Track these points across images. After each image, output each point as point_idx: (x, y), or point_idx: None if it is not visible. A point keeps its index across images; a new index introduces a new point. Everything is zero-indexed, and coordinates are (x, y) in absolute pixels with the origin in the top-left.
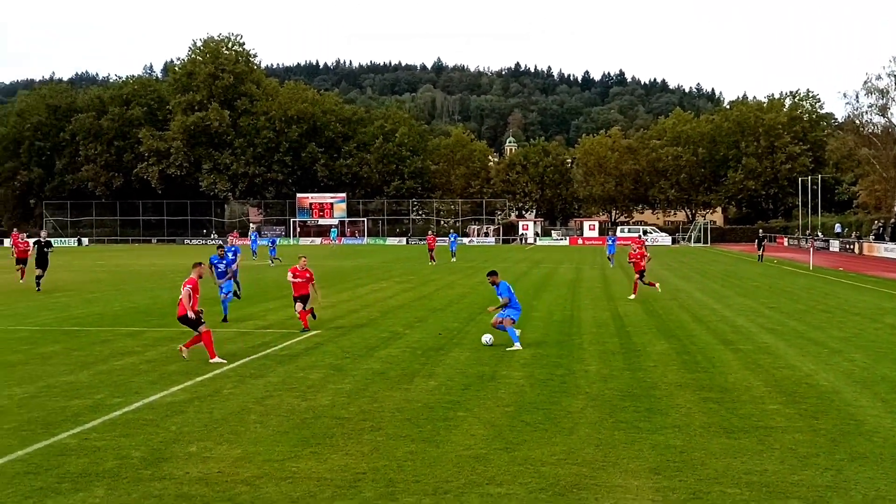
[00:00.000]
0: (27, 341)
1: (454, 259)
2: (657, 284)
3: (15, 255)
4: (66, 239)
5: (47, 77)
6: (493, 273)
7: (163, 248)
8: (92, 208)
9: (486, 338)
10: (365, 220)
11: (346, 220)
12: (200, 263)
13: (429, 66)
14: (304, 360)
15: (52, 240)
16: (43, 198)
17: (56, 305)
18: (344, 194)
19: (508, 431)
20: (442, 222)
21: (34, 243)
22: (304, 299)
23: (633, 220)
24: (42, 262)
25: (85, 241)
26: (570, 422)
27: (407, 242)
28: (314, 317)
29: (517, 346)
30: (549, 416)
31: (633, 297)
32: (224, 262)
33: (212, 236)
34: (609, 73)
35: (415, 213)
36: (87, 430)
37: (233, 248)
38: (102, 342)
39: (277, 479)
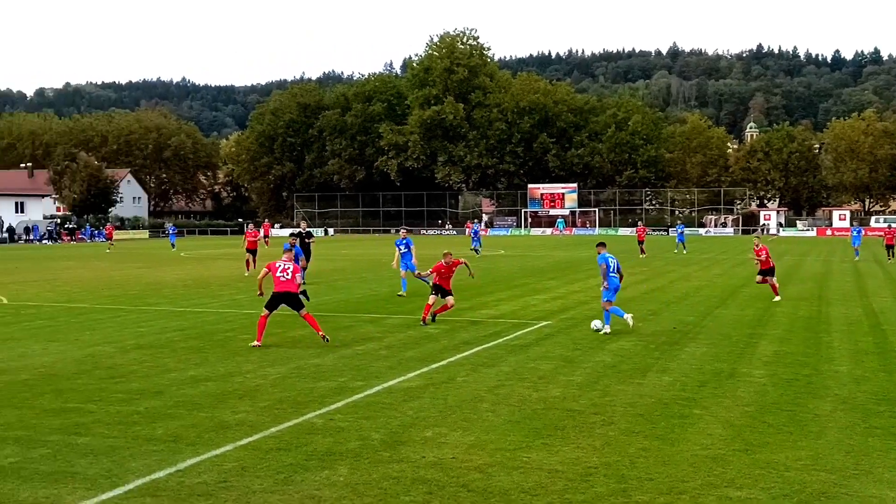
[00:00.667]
0: (280, 325)
1: (685, 251)
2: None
3: (246, 247)
4: (314, 229)
5: (298, 77)
6: (600, 244)
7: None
8: (337, 200)
9: (595, 323)
10: (596, 210)
11: (577, 210)
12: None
13: (664, 51)
14: (534, 351)
15: (312, 230)
16: (294, 190)
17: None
18: (575, 184)
19: (749, 432)
20: (676, 212)
21: (295, 235)
22: (442, 291)
23: (890, 210)
24: (305, 253)
25: (331, 231)
26: (817, 425)
27: None
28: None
29: (604, 328)
30: (793, 419)
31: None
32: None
33: (446, 227)
34: (862, 52)
35: (648, 203)
36: (331, 412)
37: (405, 241)
38: (346, 328)
39: (509, 469)
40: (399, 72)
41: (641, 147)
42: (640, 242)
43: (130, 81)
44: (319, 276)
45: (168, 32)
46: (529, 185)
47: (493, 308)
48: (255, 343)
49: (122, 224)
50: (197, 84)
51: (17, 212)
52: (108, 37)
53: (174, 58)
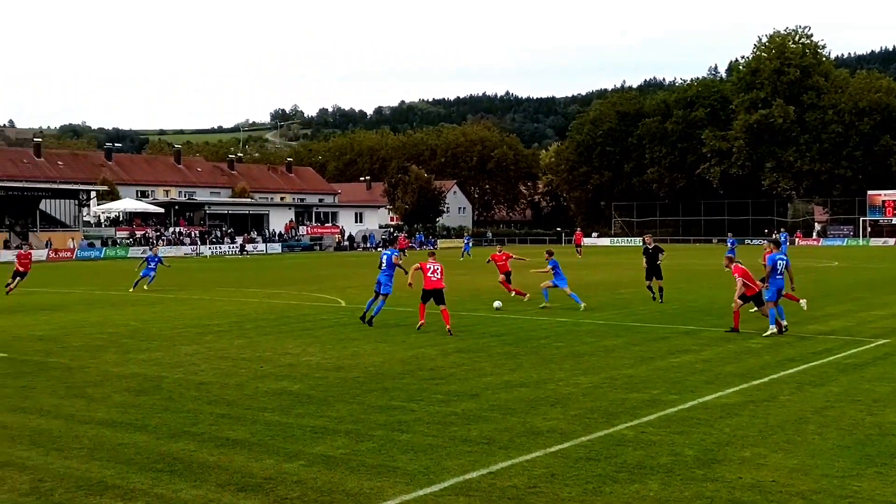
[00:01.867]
0: (593, 334)
1: None
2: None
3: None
4: (632, 238)
5: (618, 86)
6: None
7: (723, 248)
8: (656, 209)
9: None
10: None
11: None
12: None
13: None
14: (870, 371)
15: (658, 244)
16: (612, 199)
17: (619, 301)
18: None
19: None
20: None
21: (644, 251)
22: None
23: None
24: (653, 271)
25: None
26: None
27: None
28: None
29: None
30: None
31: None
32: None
33: (773, 235)
34: None
35: None
36: (643, 424)
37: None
38: (661, 339)
39: (836, 497)
40: (724, 75)
41: None
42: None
43: (458, 97)
44: (635, 286)
45: (491, 49)
46: (869, 192)
47: (823, 323)
48: (421, 322)
49: (448, 233)
50: (520, 97)
51: (356, 221)
52: (438, 57)
53: (498, 73)
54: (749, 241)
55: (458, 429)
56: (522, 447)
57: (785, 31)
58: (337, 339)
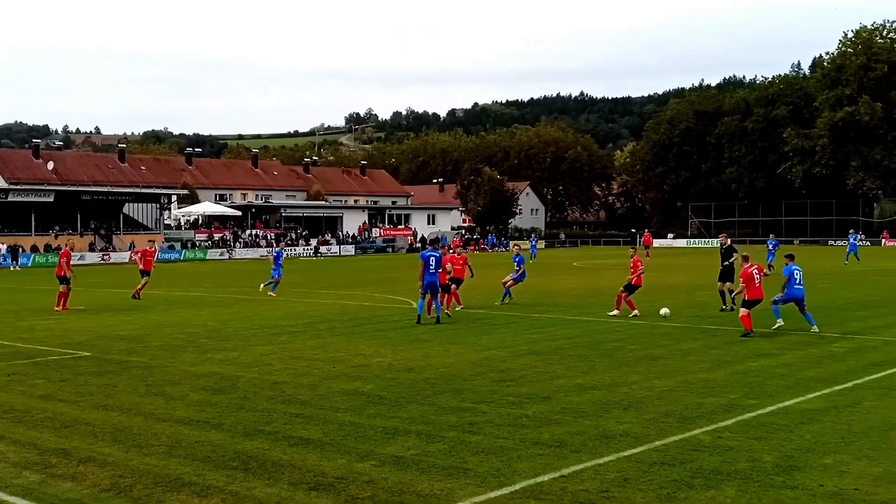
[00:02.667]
0: (669, 337)
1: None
2: None
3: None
4: (709, 240)
5: (696, 84)
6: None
7: (804, 249)
8: (734, 209)
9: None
10: None
11: None
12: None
13: None
14: None
15: (735, 245)
16: (689, 200)
17: (696, 304)
18: None
19: None
20: None
21: (720, 251)
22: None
23: None
24: (727, 274)
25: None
26: None
27: None
28: None
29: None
30: None
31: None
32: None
33: (859, 237)
34: None
35: None
36: (720, 429)
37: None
38: (739, 342)
39: None
40: (807, 72)
41: None
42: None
43: (532, 98)
44: (712, 288)
45: (565, 49)
46: None
47: None
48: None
49: (521, 234)
50: (594, 97)
51: (428, 223)
52: (511, 58)
53: (572, 73)
54: (832, 242)
55: (530, 431)
56: (595, 451)
57: (872, 25)
58: (408, 341)
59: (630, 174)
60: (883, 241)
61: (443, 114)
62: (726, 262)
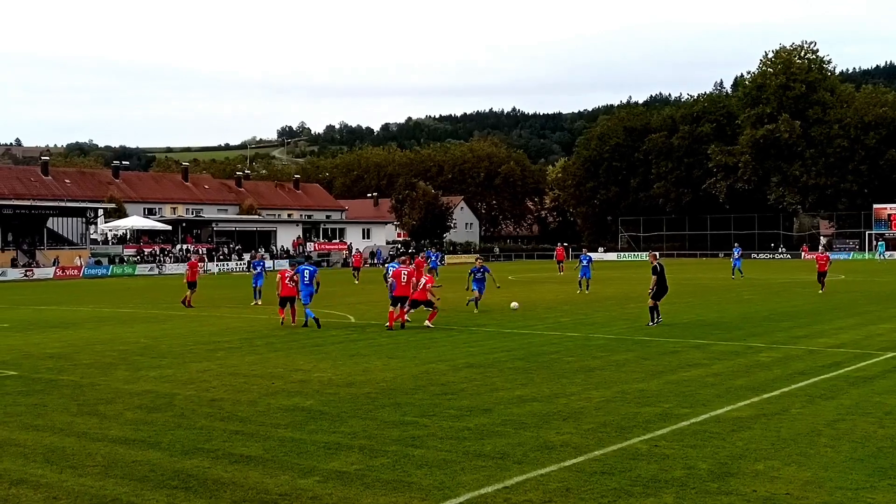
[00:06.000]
0: (604, 348)
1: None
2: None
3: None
4: (638, 253)
5: (624, 101)
6: None
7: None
8: (662, 224)
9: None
10: None
11: None
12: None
13: None
14: (880, 384)
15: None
16: (618, 214)
17: (628, 316)
18: None
19: None
20: None
21: (653, 270)
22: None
23: None
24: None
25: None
26: None
27: None
28: None
29: None
30: None
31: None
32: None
33: (780, 250)
34: None
35: None
36: (656, 437)
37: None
38: (671, 353)
39: None
40: (729, 91)
41: None
42: (822, 274)
43: (465, 113)
44: (642, 301)
45: (498, 66)
46: (875, 205)
47: (833, 337)
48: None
49: (454, 248)
50: (526, 113)
51: (363, 238)
52: (444, 74)
53: (504, 89)
54: (755, 256)
55: (472, 443)
56: (536, 462)
57: (791, 46)
58: (347, 355)
59: (562, 189)
60: (802, 253)
61: (376, 128)
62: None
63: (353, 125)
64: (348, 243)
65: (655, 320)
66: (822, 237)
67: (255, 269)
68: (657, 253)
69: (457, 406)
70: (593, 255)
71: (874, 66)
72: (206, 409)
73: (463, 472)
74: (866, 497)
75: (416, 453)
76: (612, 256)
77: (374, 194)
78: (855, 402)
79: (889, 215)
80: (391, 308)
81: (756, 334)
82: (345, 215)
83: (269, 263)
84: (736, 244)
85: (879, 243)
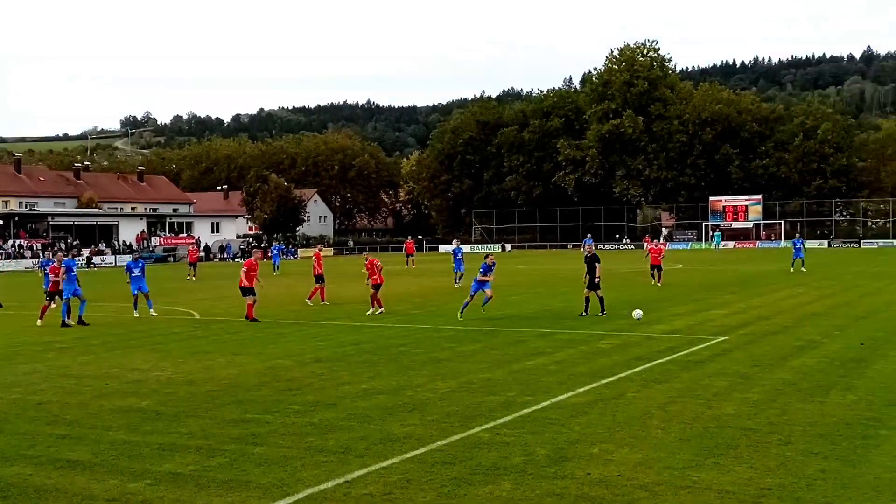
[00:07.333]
0: (452, 339)
1: (803, 269)
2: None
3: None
4: (492, 245)
5: (478, 95)
6: None
7: (578, 254)
8: (514, 216)
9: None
10: (782, 222)
11: (762, 222)
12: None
13: (857, 55)
14: (710, 367)
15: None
16: (472, 207)
17: (478, 306)
18: (759, 196)
19: None
20: (870, 223)
21: (585, 259)
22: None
23: None
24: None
25: (508, 246)
26: None
27: (829, 245)
28: None
29: None
30: None
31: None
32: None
33: (624, 241)
34: None
35: (838, 215)
36: (498, 426)
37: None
38: (517, 342)
39: (677, 488)
40: (578, 86)
41: (831, 156)
42: (655, 267)
43: (319, 105)
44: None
45: (352, 57)
46: (711, 198)
47: (669, 323)
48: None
49: (307, 242)
50: (381, 105)
51: (212, 231)
52: (298, 64)
53: (359, 81)
54: (602, 247)
55: (315, 439)
56: (379, 454)
57: (634, 44)
58: (190, 353)
59: (416, 182)
60: (645, 244)
61: (227, 119)
62: (594, 272)
63: (203, 115)
64: (196, 237)
65: (587, 311)
66: (663, 228)
67: (43, 269)
68: (592, 244)
69: (301, 401)
70: (450, 247)
71: (711, 64)
72: (31, 413)
73: (303, 469)
74: (692, 475)
75: (255, 451)
76: (466, 248)
77: (224, 187)
78: (686, 385)
79: (724, 207)
80: None
81: (598, 322)
82: (193, 209)
83: (110, 259)
84: (589, 235)
85: (715, 234)
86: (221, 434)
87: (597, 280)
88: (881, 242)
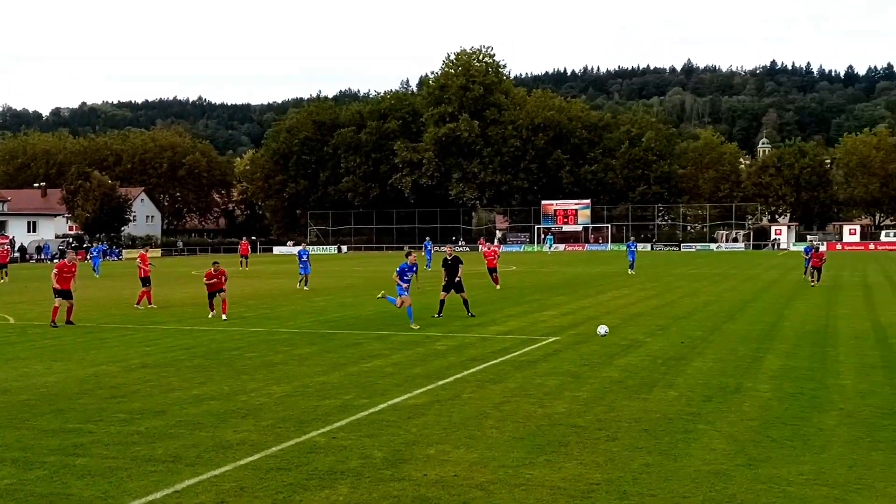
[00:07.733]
0: (288, 343)
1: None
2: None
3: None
4: (328, 247)
5: (314, 95)
6: None
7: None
8: (351, 217)
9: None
10: (609, 226)
11: (591, 226)
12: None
13: (678, 68)
14: (542, 367)
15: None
16: (308, 208)
17: (314, 309)
18: (588, 200)
19: (752, 447)
20: (689, 227)
21: (444, 263)
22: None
23: None
24: (452, 283)
25: (344, 248)
26: (820, 440)
27: (652, 248)
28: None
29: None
30: (797, 433)
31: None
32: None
33: (459, 243)
34: (876, 67)
35: (660, 219)
36: (334, 430)
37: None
38: (354, 345)
39: (511, 486)
40: (415, 89)
41: (654, 163)
42: (492, 270)
43: (147, 101)
44: (329, 293)
45: (185, 52)
46: (543, 202)
47: (503, 324)
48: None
49: (133, 242)
50: (213, 103)
51: (29, 231)
52: (125, 56)
53: (190, 77)
54: (437, 249)
55: (142, 448)
56: (211, 462)
57: (470, 49)
58: (4, 360)
59: (250, 182)
60: (480, 246)
61: (46, 112)
62: (454, 274)
63: (19, 108)
64: (10, 237)
65: (441, 313)
66: (497, 231)
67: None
68: (453, 246)
69: (127, 409)
70: (285, 249)
71: (543, 72)
72: None
73: (130, 479)
74: (525, 473)
75: (77, 462)
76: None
77: (42, 184)
78: (519, 384)
79: (555, 211)
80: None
81: (434, 324)
82: (7, 206)
83: None
84: (632, 238)
85: (548, 237)
86: (40, 445)
87: (458, 280)
88: (698, 246)
